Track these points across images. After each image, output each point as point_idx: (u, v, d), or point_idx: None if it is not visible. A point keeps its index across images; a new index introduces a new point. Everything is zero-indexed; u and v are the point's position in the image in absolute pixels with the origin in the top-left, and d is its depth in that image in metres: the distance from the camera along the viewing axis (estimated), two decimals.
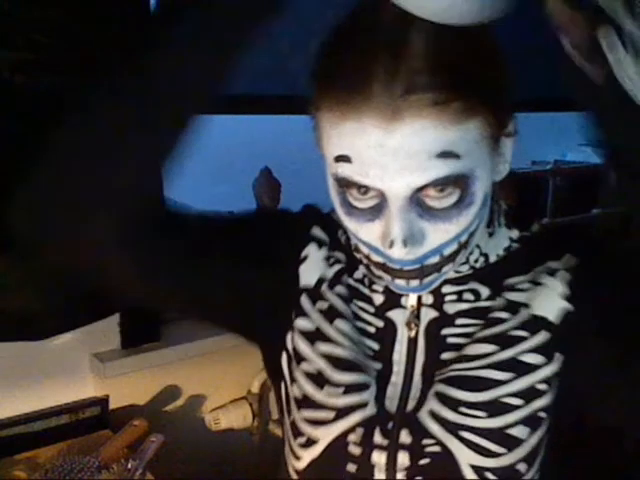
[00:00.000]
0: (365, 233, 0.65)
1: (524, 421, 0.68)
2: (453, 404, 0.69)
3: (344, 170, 0.62)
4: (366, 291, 0.77)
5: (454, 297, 0.73)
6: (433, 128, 0.58)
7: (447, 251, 0.65)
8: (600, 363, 0.69)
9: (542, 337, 0.70)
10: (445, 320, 0.73)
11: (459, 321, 0.73)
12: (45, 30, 0.96)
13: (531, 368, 0.70)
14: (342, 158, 0.62)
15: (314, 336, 0.76)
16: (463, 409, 0.69)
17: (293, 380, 0.77)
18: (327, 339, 0.75)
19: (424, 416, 0.70)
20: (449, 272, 0.69)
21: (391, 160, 0.59)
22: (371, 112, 0.58)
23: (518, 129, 0.68)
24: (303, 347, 0.77)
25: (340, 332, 0.75)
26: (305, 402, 0.75)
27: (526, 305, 0.71)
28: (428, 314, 0.73)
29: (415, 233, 0.63)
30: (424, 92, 0.57)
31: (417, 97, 0.58)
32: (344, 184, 0.64)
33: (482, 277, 0.73)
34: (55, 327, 1.11)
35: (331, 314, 0.76)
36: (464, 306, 0.73)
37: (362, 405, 0.72)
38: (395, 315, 0.74)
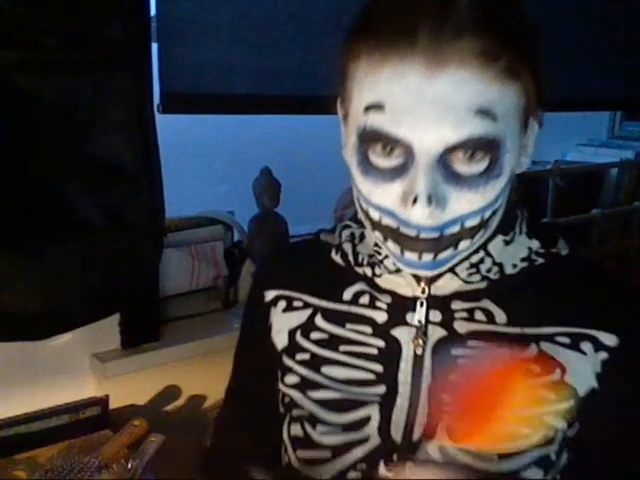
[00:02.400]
0: (380, 195, 0.61)
1: (537, 462, 0.66)
2: None
3: (374, 120, 0.58)
4: (362, 311, 0.72)
5: (464, 314, 0.68)
6: (476, 81, 0.56)
7: (469, 223, 0.61)
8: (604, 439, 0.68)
9: (568, 405, 0.67)
10: (455, 340, 0.68)
11: (472, 343, 0.67)
12: (45, 30, 0.96)
13: (552, 428, 0.67)
14: (375, 106, 0.58)
15: (303, 386, 0.73)
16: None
17: (289, 420, 0.75)
18: (317, 386, 0.72)
19: (433, 451, 0.66)
20: (465, 253, 0.64)
21: (428, 109, 0.56)
22: (414, 56, 0.55)
23: (542, 122, 0.66)
24: (295, 395, 0.74)
25: (329, 377, 0.72)
26: (299, 442, 0.72)
27: (562, 367, 0.66)
28: (436, 332, 0.69)
29: (439, 195, 0.58)
30: (472, 38, 0.55)
31: (464, 43, 0.55)
32: (370, 138, 0.60)
33: (496, 294, 0.68)
34: (55, 327, 1.11)
35: (315, 363, 0.73)
36: (476, 327, 0.68)
37: (362, 441, 0.68)
38: (400, 333, 0.70)
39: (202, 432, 1.43)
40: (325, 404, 0.71)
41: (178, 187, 1.26)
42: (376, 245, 0.71)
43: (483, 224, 0.62)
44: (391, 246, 0.63)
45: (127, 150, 1.07)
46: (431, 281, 0.69)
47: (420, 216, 0.58)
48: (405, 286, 0.71)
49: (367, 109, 0.59)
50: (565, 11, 1.94)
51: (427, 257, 0.62)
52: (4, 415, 1.24)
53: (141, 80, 1.08)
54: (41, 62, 0.97)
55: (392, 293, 0.71)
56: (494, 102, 0.57)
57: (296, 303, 0.76)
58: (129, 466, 1.14)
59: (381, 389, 0.69)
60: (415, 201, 0.58)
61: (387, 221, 0.62)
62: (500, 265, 0.68)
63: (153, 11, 1.25)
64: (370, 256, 0.72)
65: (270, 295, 0.78)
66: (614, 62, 2.14)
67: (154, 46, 1.25)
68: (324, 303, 0.75)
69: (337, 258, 0.76)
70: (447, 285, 0.69)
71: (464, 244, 0.62)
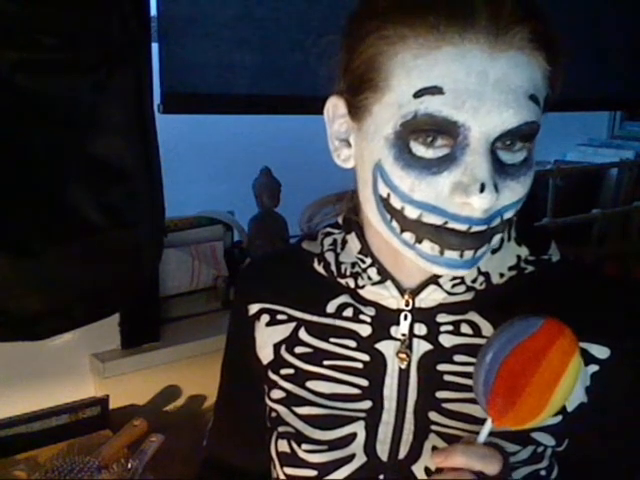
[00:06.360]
0: (425, 190, 0.57)
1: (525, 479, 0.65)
2: None
3: (430, 105, 0.55)
4: (346, 324, 0.71)
5: (450, 328, 0.67)
6: (529, 66, 0.56)
7: (506, 215, 0.59)
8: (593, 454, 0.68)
9: (556, 420, 0.65)
10: (441, 354, 0.67)
11: (458, 358, 0.66)
12: (45, 30, 0.96)
13: (540, 444, 0.65)
14: (430, 90, 0.55)
15: (289, 401, 0.72)
16: None
17: (276, 436, 0.74)
18: (302, 402, 0.71)
19: (419, 472, 0.64)
20: (489, 251, 0.61)
21: (491, 90, 0.54)
22: (475, 36, 0.54)
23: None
24: (281, 410, 0.73)
25: (314, 392, 0.71)
26: (286, 459, 0.71)
27: None
28: (421, 346, 0.67)
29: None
30: (526, 24, 0.55)
31: (520, 27, 0.55)
32: (419, 125, 0.55)
33: (483, 306, 0.66)
34: (55, 327, 1.11)
35: (300, 378, 0.72)
36: (462, 340, 0.66)
37: (348, 459, 0.67)
38: (384, 347, 0.69)
39: (202, 432, 1.43)
40: (310, 421, 0.70)
41: (178, 187, 1.26)
42: (359, 252, 0.70)
43: (512, 218, 0.61)
44: (426, 247, 0.59)
45: (127, 150, 1.07)
46: (415, 293, 0.68)
47: (487, 204, 0.55)
48: (388, 298, 0.69)
49: (419, 94, 0.55)
50: (564, 11, 1.94)
51: (468, 254, 0.58)
52: (4, 415, 1.24)
53: (141, 80, 1.08)
54: (41, 62, 0.97)
55: (376, 305, 0.70)
56: (540, 89, 0.58)
57: (280, 316, 0.75)
58: (129, 466, 1.14)
59: (366, 404, 0.68)
60: (482, 189, 0.55)
61: (430, 218, 0.58)
62: (486, 275, 0.66)
63: (153, 11, 1.25)
64: (353, 265, 0.71)
65: (254, 309, 0.77)
66: (614, 62, 2.14)
67: (154, 46, 1.25)
68: (308, 316, 0.73)
69: (320, 268, 0.74)
70: (431, 297, 0.67)
71: (495, 239, 0.61)
